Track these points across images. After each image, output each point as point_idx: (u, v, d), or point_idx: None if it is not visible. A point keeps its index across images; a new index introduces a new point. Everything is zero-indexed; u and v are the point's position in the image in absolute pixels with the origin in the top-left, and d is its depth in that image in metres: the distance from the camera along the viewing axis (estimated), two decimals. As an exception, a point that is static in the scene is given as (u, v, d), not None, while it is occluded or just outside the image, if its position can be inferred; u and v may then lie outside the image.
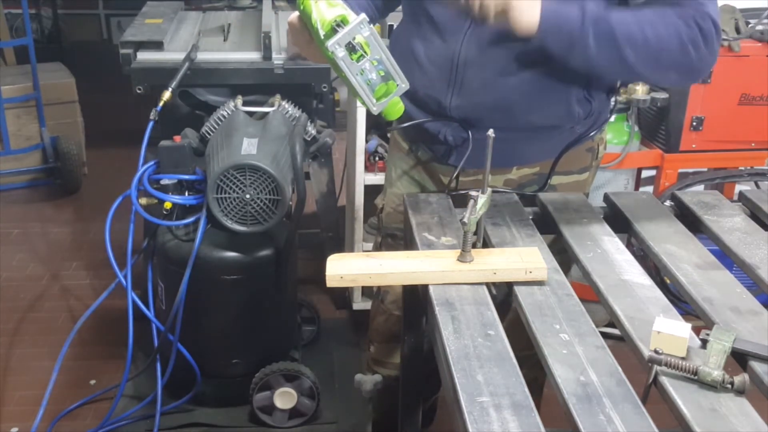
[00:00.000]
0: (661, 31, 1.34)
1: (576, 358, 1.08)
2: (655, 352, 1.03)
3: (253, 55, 2.66)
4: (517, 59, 1.46)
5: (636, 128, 2.67)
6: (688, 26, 1.35)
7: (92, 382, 2.58)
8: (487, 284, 1.28)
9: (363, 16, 1.25)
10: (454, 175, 1.58)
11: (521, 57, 1.46)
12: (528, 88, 1.49)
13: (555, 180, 1.63)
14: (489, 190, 1.29)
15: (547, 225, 1.53)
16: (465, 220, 1.22)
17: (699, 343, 1.09)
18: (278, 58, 2.60)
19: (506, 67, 1.47)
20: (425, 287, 1.27)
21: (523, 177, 1.63)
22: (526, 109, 1.52)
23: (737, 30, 2.57)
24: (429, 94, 1.55)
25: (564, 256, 1.43)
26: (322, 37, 1.28)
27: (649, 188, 2.83)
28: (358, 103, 2.56)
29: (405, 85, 1.29)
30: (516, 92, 1.49)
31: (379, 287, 1.92)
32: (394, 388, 1.77)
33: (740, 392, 1.00)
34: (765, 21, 2.63)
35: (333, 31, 1.27)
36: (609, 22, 1.34)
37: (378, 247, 1.88)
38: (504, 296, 1.30)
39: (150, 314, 2.27)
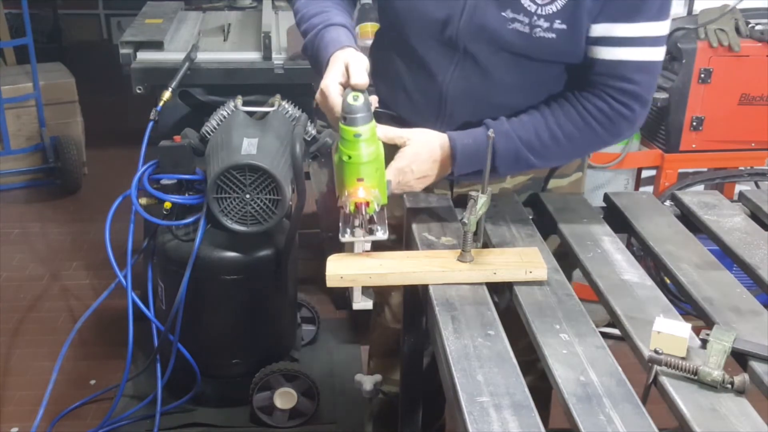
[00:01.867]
0: (578, 141, 1.41)
1: (576, 358, 1.08)
2: (655, 352, 1.03)
3: (253, 55, 2.66)
4: (505, 92, 1.45)
5: (636, 128, 2.67)
6: (611, 123, 1.39)
7: (92, 382, 2.58)
8: (489, 285, 1.28)
9: (385, 234, 1.31)
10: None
11: (509, 90, 1.45)
12: None
13: (551, 184, 1.64)
14: (489, 190, 1.29)
15: (547, 225, 1.53)
16: (465, 220, 1.23)
17: (699, 343, 1.09)
18: (278, 58, 2.60)
19: (494, 100, 1.46)
20: (425, 287, 1.27)
21: (518, 185, 1.63)
22: None
23: (737, 30, 2.57)
24: (417, 122, 1.52)
25: (564, 261, 1.43)
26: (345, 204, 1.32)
27: (649, 188, 2.83)
28: None
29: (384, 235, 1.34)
30: None
31: (375, 301, 1.93)
32: (395, 406, 1.76)
33: (740, 392, 1.00)
34: (764, 21, 2.63)
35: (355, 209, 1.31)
36: (520, 155, 1.41)
37: None
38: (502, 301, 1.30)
39: (150, 314, 2.27)
